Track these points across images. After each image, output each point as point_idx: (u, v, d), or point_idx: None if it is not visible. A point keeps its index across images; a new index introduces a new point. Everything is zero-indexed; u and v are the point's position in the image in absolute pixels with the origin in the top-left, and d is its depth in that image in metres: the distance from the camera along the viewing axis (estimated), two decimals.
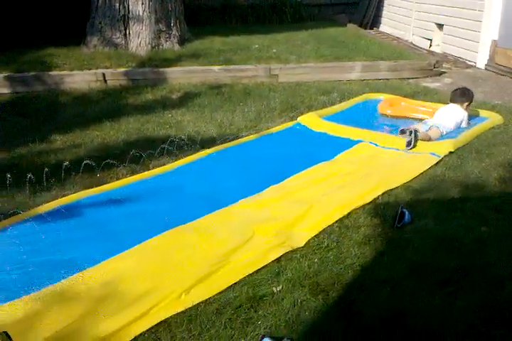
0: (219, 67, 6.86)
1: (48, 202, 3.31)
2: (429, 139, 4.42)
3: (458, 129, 4.70)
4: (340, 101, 5.61)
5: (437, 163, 3.96)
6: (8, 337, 2.23)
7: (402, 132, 4.49)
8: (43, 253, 2.80)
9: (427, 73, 6.93)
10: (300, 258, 2.78)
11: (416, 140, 4.23)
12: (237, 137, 4.58)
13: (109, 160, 3.78)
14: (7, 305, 2.41)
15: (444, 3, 8.47)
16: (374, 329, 2.24)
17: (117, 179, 3.72)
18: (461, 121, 4.77)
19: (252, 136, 4.62)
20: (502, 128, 4.71)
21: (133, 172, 3.81)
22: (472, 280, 2.54)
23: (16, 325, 2.29)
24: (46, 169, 3.51)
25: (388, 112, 5.20)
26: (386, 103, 5.38)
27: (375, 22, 11.74)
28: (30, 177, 3.37)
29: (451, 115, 4.74)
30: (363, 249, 2.85)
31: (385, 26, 11.37)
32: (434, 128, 4.61)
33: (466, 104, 4.79)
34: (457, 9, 8.00)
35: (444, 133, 4.61)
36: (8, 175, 3.36)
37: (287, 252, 2.82)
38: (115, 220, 3.15)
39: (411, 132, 4.26)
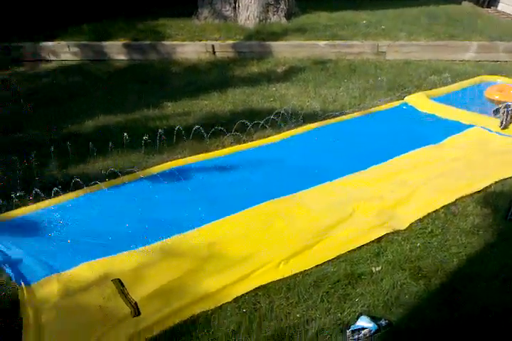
0: (325, 42, 6.66)
1: (160, 163, 3.45)
2: None
3: None
4: (452, 83, 5.21)
5: None
6: (121, 283, 2.39)
7: (496, 112, 4.12)
8: (154, 211, 2.94)
9: None
10: (402, 241, 2.67)
11: (508, 119, 3.84)
12: (341, 113, 4.45)
13: (216, 129, 3.85)
14: (120, 255, 2.57)
15: None
16: (479, 323, 2.10)
17: (223, 147, 3.78)
18: None
19: (356, 113, 4.47)
20: None
21: (238, 142, 3.85)
22: None
23: (128, 275, 2.44)
24: (159, 131, 3.65)
25: (496, 98, 4.73)
26: (494, 88, 4.90)
27: (493, 0, 10.73)
28: (145, 139, 3.53)
29: None
30: (470, 238, 2.67)
31: (505, 5, 10.36)
32: None
33: None
34: None
35: None
36: (126, 136, 3.54)
37: (388, 233, 2.72)
38: (220, 186, 3.22)
39: (503, 111, 3.88)
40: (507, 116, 3.94)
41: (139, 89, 5.19)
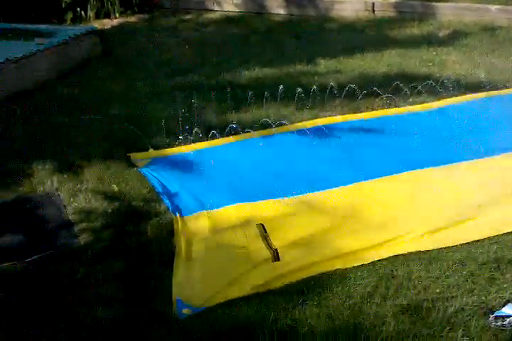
0: (497, 6, 5.91)
1: (310, 119, 3.44)
2: None
3: None
4: None
5: None
6: (264, 229, 2.48)
7: None
8: (301, 165, 2.96)
9: None
10: None
11: None
12: (506, 86, 3.97)
13: (368, 90, 3.69)
14: (266, 202, 2.64)
15: None
16: None
17: (373, 109, 3.63)
18: None
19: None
20: None
21: (389, 106, 3.66)
22: None
23: (271, 221, 2.51)
24: (312, 88, 3.60)
25: None
26: None
27: None
28: (297, 93, 3.51)
29: None
30: None
31: None
32: None
33: None
34: None
35: None
36: (280, 89, 3.56)
37: None
38: (369, 148, 3.12)
39: None
40: None
41: (294, 44, 5.15)
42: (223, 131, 3.20)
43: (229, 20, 6.13)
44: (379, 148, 3.13)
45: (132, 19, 6.27)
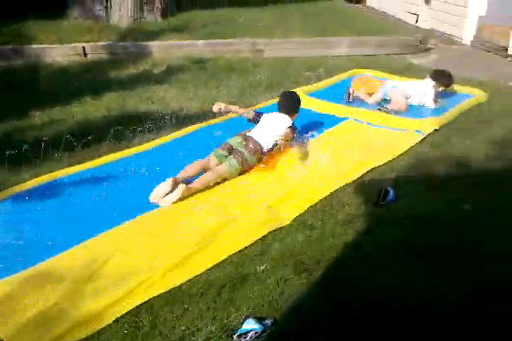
0: (203, 41, 6.67)
1: (27, 180, 3.19)
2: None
3: (424, 107, 4.69)
4: (327, 77, 5.49)
5: (422, 140, 3.92)
6: None
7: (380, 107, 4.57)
8: (22, 234, 2.70)
9: (413, 49, 6.83)
10: (284, 237, 2.74)
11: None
12: (222, 114, 4.46)
13: (90, 137, 3.65)
14: None
15: None
16: (358, 310, 2.21)
17: (98, 156, 3.60)
18: (423, 96, 4.67)
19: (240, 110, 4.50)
20: (486, 106, 4.67)
21: (115, 150, 3.69)
22: (456, 259, 2.52)
23: None
24: (25, 145, 3.37)
25: (362, 90, 5.07)
26: (359, 80, 5.24)
27: None
28: (8, 154, 3.23)
29: (417, 86, 4.71)
30: (346, 227, 2.81)
31: (373, 1, 11.16)
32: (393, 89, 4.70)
33: (442, 84, 4.69)
34: None
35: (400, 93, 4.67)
36: None
37: (272, 231, 2.77)
38: (95, 199, 3.05)
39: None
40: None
41: (2, 97, 4.77)
42: None
43: None
44: (108, 197, 3.09)
45: None
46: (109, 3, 7.72)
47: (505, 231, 2.75)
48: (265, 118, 3.79)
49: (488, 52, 6.81)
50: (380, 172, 3.43)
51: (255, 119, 3.80)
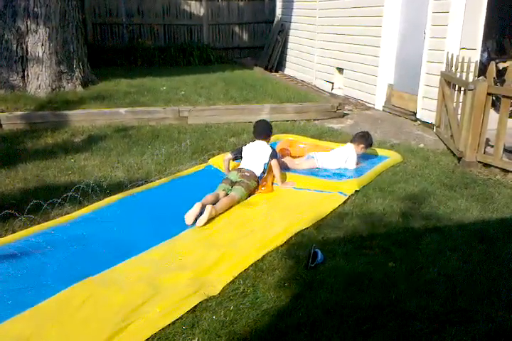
0: (125, 109, 6.81)
1: None
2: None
3: (346, 169, 4.99)
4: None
5: (345, 201, 4.16)
6: None
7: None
8: None
9: (330, 115, 7.37)
10: (215, 306, 2.73)
11: None
12: (147, 181, 4.51)
13: (4, 211, 3.53)
14: None
15: (342, 48, 9.17)
16: None
17: (13, 232, 3.47)
18: (346, 160, 5.03)
19: (162, 179, 4.58)
20: (401, 166, 5.08)
21: (32, 224, 3.58)
22: (384, 318, 2.63)
23: None
24: None
25: (288, 153, 5.37)
26: (284, 144, 5.56)
27: (280, 65, 12.39)
28: None
29: (340, 153, 5.08)
30: (278, 292, 2.86)
31: (290, 69, 12.03)
32: (311, 158, 5.05)
33: (362, 146, 5.08)
34: (355, 55, 8.69)
35: (320, 165, 4.99)
36: None
37: (202, 301, 2.76)
38: (12, 278, 2.90)
39: None
40: None
41: None
42: None
43: None
44: (26, 275, 2.96)
45: None
46: (26, 73, 7.74)
47: (427, 285, 2.93)
48: (246, 150, 4.60)
49: (399, 116, 7.49)
50: (307, 234, 3.57)
51: (237, 156, 4.62)
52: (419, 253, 3.31)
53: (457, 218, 3.84)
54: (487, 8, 6.16)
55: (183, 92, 8.07)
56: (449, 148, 5.61)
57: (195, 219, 3.76)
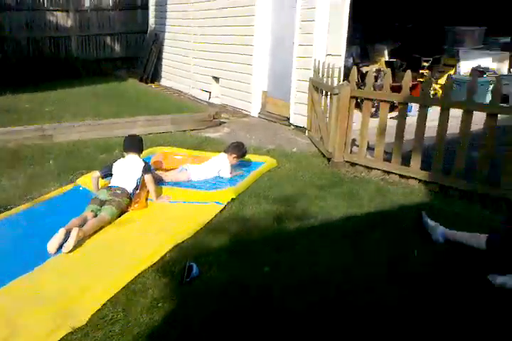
0: None
1: None
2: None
3: (222, 179, 5.03)
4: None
5: (222, 210, 4.15)
6: None
7: None
8: None
9: (207, 124, 7.37)
10: (81, 338, 2.55)
11: None
12: (6, 209, 4.14)
13: None
14: None
15: (217, 58, 9.27)
16: None
17: None
18: (220, 170, 5.07)
19: (22, 206, 4.22)
20: (276, 171, 5.21)
21: None
22: (261, 325, 2.64)
23: None
24: None
25: (162, 166, 5.27)
26: (158, 157, 5.46)
27: (156, 76, 12.21)
28: None
29: (213, 163, 5.11)
30: (151, 313, 2.75)
31: (166, 80, 11.91)
32: (184, 171, 5.01)
33: (234, 156, 5.12)
34: (230, 63, 8.83)
35: (193, 178, 4.96)
36: None
37: (66, 334, 2.56)
38: None
39: None
40: None
41: None
42: None
43: None
44: None
45: None
46: None
47: (304, 286, 3.01)
48: (117, 166, 4.41)
49: (274, 122, 7.71)
50: (185, 247, 3.50)
51: (107, 174, 4.42)
52: (293, 254, 3.40)
53: (326, 216, 4.00)
54: (352, 16, 6.51)
55: (47, 109, 7.59)
56: (320, 150, 5.88)
57: (60, 247, 3.50)
